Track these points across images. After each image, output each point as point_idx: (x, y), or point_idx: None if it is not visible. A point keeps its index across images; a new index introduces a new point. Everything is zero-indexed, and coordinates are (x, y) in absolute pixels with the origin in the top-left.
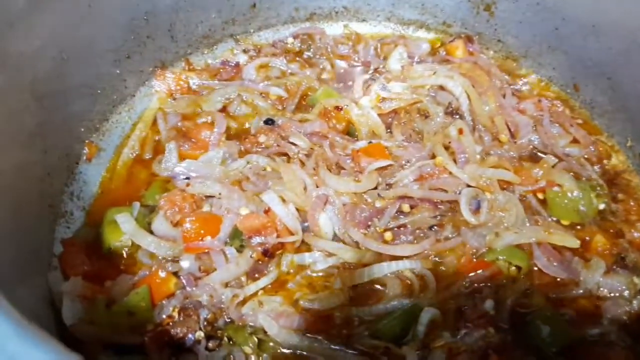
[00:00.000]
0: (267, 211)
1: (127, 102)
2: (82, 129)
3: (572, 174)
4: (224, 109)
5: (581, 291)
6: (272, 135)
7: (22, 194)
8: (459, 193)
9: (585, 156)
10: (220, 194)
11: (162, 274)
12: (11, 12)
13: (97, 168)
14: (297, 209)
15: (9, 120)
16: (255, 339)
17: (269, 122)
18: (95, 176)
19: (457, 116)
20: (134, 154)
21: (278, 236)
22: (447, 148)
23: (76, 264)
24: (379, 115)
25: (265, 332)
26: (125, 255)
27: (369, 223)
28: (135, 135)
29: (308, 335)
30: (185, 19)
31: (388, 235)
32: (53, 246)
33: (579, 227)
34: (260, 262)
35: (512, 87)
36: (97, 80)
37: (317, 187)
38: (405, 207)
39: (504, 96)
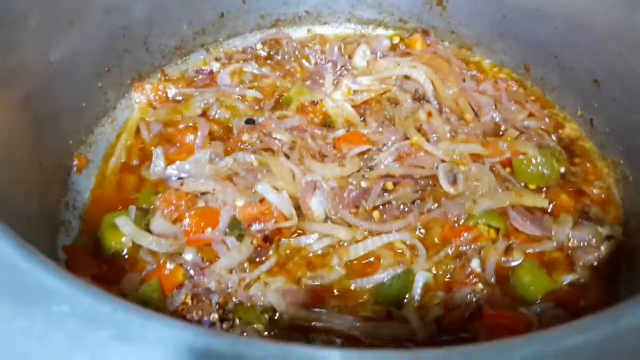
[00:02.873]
0: (261, 201)
1: (110, 115)
2: (71, 142)
3: (533, 143)
4: (204, 114)
5: (554, 244)
6: (254, 133)
7: (24, 207)
8: (436, 168)
9: (542, 127)
10: (214, 189)
11: (170, 266)
12: (6, 32)
13: (88, 178)
14: (289, 196)
15: (10, 136)
16: (266, 317)
17: (250, 122)
18: (86, 186)
19: (424, 101)
20: (122, 162)
21: (276, 222)
22: (418, 130)
23: (83, 267)
24: (352, 106)
25: (274, 310)
26: (127, 256)
27: (357, 204)
28: (121, 145)
29: (314, 309)
30: (159, 31)
31: (376, 214)
32: (57, 254)
33: (545, 189)
34: (260, 248)
35: (469, 72)
36: (81, 95)
37: (305, 175)
38: (389, 185)
39: (464, 80)
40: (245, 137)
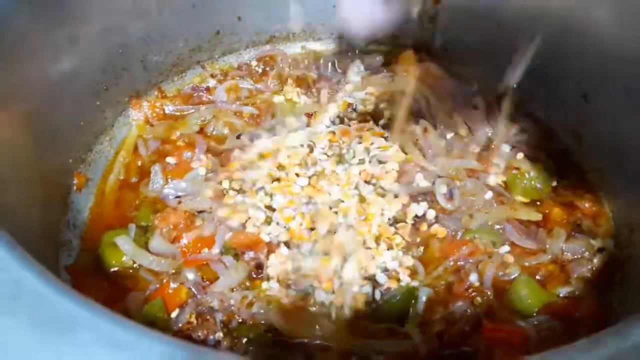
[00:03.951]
0: None
1: (108, 132)
2: (70, 160)
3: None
4: (201, 131)
5: (549, 257)
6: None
7: (27, 228)
8: (433, 184)
9: (534, 142)
10: (211, 208)
11: (174, 285)
12: (7, 51)
13: (87, 197)
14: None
15: (11, 155)
16: (270, 335)
17: (239, 137)
18: (86, 204)
19: (419, 117)
20: (120, 179)
21: (269, 251)
22: (415, 145)
23: (86, 287)
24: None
25: (277, 329)
26: (128, 275)
27: None
28: (119, 162)
29: (317, 327)
30: (156, 49)
31: None
32: (59, 274)
33: (538, 203)
34: (254, 274)
35: (462, 88)
36: (80, 113)
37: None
38: None
39: (457, 96)
40: (236, 152)
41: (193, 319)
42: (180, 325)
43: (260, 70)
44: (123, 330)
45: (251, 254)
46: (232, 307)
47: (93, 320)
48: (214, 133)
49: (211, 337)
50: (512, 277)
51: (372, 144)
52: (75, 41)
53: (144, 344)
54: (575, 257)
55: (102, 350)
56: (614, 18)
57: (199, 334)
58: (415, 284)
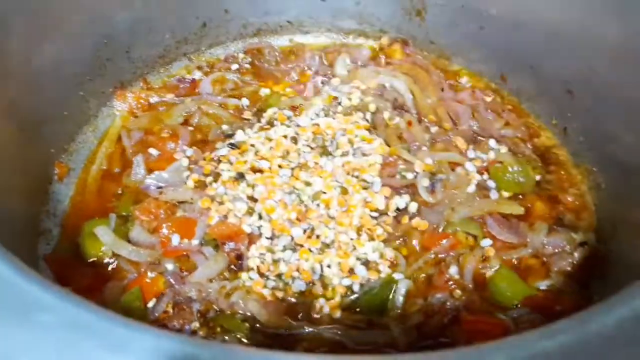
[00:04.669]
0: None
1: (91, 123)
2: (52, 150)
3: (510, 151)
4: (186, 122)
5: (530, 251)
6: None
7: (7, 216)
8: (416, 177)
9: (518, 136)
10: (192, 198)
11: (151, 275)
12: None
13: (69, 186)
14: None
15: None
16: (247, 325)
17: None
18: (67, 194)
19: (404, 110)
20: (103, 169)
21: (250, 242)
22: (399, 138)
23: (64, 276)
24: (335, 114)
25: (255, 318)
26: (107, 264)
27: None
28: (102, 152)
29: (298, 318)
30: (142, 40)
31: None
32: (37, 264)
33: (520, 196)
34: (233, 266)
35: (448, 81)
36: (63, 103)
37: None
38: None
39: (442, 90)
40: (219, 145)
41: (170, 309)
42: (156, 314)
43: (247, 63)
44: (86, 313)
45: (232, 244)
46: (210, 297)
47: (56, 303)
48: (199, 124)
49: (187, 326)
50: (493, 270)
51: (356, 136)
52: (59, 30)
53: (104, 327)
54: (557, 250)
55: (60, 332)
56: (598, 16)
57: (175, 323)
58: (395, 275)
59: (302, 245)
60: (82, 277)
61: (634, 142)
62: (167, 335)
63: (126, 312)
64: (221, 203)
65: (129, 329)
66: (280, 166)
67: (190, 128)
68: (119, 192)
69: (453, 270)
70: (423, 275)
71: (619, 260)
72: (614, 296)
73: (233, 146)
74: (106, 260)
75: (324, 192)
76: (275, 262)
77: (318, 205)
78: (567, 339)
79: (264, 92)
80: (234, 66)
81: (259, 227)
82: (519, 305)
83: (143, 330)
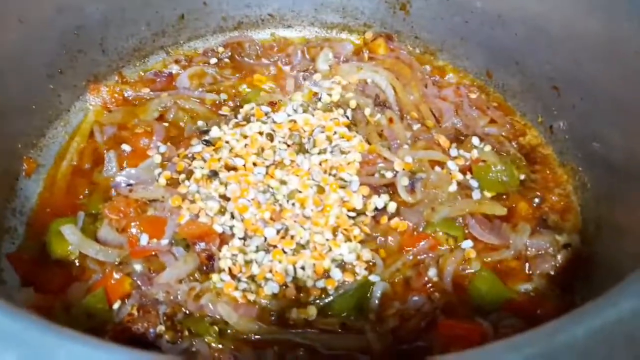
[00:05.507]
0: None
1: (63, 117)
2: (20, 145)
3: (494, 150)
4: (161, 117)
5: (512, 252)
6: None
7: None
8: (395, 176)
9: (503, 134)
10: (163, 197)
11: (117, 276)
12: None
13: (37, 183)
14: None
15: None
16: (216, 328)
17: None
18: (35, 190)
19: (385, 107)
20: (73, 165)
21: (221, 243)
22: (380, 135)
23: (27, 276)
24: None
25: (225, 322)
26: (73, 263)
27: None
28: (73, 148)
29: (270, 321)
30: (116, 32)
31: None
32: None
33: (504, 196)
34: (205, 267)
35: (432, 78)
36: (32, 96)
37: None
38: None
39: (425, 86)
40: (194, 141)
41: (134, 311)
42: (121, 317)
43: (226, 57)
44: (12, 322)
45: (203, 245)
46: (179, 300)
47: None
48: (174, 120)
49: (152, 330)
50: (473, 272)
51: (334, 133)
52: (26, 20)
53: (33, 336)
54: (540, 252)
55: None
56: (583, 12)
57: (139, 326)
58: (372, 277)
59: (275, 246)
60: (48, 277)
61: (619, 140)
62: (101, 347)
63: (89, 315)
64: (193, 202)
65: (60, 339)
66: (254, 164)
67: (165, 124)
68: (88, 189)
69: (432, 272)
70: (401, 277)
71: (603, 261)
72: (586, 304)
73: (208, 143)
74: (73, 259)
75: (300, 191)
76: (248, 263)
77: (293, 204)
78: (533, 352)
79: (243, 87)
80: (213, 60)
81: (231, 227)
82: (499, 309)
83: (76, 340)
